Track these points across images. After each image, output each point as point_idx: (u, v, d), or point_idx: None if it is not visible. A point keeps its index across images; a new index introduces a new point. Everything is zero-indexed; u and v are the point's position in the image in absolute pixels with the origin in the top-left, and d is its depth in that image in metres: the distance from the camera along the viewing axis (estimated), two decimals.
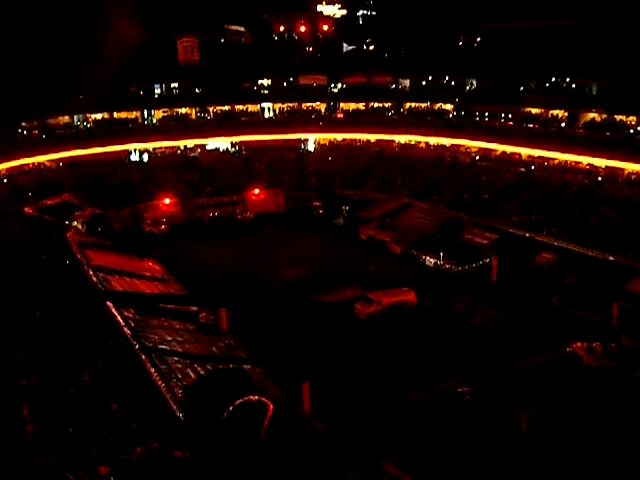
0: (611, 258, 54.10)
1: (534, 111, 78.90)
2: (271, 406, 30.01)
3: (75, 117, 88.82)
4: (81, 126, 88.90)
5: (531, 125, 77.24)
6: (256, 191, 77.67)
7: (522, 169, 74.91)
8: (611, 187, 66.20)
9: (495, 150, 78.84)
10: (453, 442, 32.37)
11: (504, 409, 34.83)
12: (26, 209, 69.08)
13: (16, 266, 50.94)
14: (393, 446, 31.60)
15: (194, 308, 50.34)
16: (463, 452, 31.51)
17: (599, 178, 68.17)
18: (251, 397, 32.09)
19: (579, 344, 41.72)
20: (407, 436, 32.86)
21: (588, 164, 69.67)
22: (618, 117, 70.71)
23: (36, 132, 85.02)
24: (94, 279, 51.38)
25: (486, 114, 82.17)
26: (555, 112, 76.62)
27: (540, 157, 73.84)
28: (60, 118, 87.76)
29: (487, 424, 33.74)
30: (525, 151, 75.28)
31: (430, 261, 61.52)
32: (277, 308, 50.50)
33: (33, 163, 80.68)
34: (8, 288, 46.01)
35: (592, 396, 36.42)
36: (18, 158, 78.37)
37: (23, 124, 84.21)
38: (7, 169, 77.64)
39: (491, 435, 32.81)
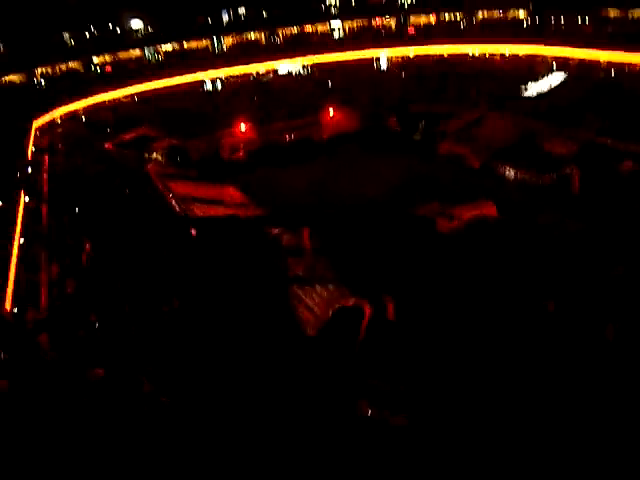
0: None
1: (612, 14, 76.19)
2: (368, 309, 30.38)
3: (146, 50, 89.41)
4: (152, 59, 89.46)
5: (610, 29, 74.74)
6: (331, 112, 77.18)
7: (602, 75, 72.66)
8: None
9: (572, 57, 76.57)
10: (540, 352, 32.48)
11: (591, 320, 34.64)
12: (106, 144, 70.28)
13: (100, 201, 52.15)
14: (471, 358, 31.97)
15: (276, 231, 50.89)
16: (551, 362, 31.62)
17: None
18: (349, 301, 32.45)
19: None
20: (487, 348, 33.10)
21: None
22: None
23: (109, 68, 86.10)
24: (177, 208, 52.39)
25: (562, 20, 79.74)
26: (636, 13, 73.88)
27: (620, 62, 71.45)
28: (131, 52, 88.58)
29: (573, 335, 33.65)
30: (604, 56, 72.87)
31: (510, 173, 60.72)
32: (361, 223, 50.56)
33: (109, 99, 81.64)
34: (95, 223, 47.25)
35: None
36: (94, 94, 79.39)
37: (95, 60, 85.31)
38: (84, 107, 78.74)
39: (578, 346, 32.75)
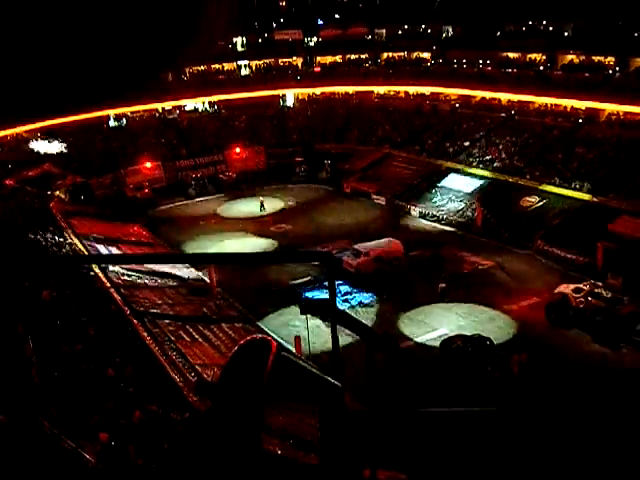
0: (594, 199, 54.39)
1: (512, 55, 78.44)
2: (274, 343, 29.83)
3: None
4: None
5: (509, 70, 76.78)
6: (237, 150, 77.17)
7: (502, 114, 74.50)
8: (591, 128, 65.91)
9: (474, 96, 78.42)
10: (446, 387, 32.74)
11: (496, 352, 35.17)
12: (7, 181, 68.37)
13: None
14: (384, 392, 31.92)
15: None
16: (456, 396, 31.87)
17: (579, 120, 67.88)
18: (255, 336, 31.87)
19: (566, 285, 41.98)
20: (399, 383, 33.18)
21: (565, 106, 69.37)
22: (596, 58, 70.31)
23: None
24: (80, 247, 51.27)
25: (464, 61, 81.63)
26: (533, 56, 76.22)
27: (519, 101, 73.46)
28: None
29: (479, 368, 34.07)
30: (504, 96, 74.74)
31: (415, 210, 61.72)
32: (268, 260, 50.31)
33: (11, 135, 79.59)
34: None
35: (581, 336, 36.81)
36: None
37: None
38: None
39: (483, 379, 33.14)
